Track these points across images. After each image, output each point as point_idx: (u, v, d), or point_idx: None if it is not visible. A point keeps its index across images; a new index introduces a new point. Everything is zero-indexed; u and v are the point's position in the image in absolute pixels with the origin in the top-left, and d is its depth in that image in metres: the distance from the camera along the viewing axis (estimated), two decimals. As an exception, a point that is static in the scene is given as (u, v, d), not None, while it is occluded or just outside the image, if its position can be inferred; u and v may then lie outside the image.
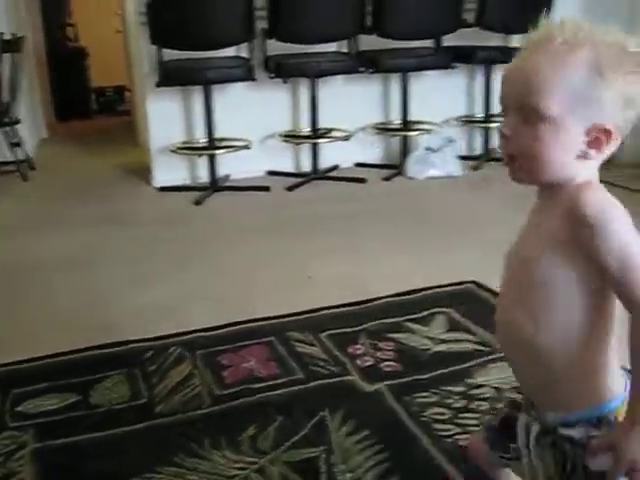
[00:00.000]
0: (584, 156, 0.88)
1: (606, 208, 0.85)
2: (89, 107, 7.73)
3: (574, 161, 0.88)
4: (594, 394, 0.93)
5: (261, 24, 3.77)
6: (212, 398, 1.78)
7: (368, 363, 1.93)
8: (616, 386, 0.93)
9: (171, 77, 3.70)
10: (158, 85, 3.69)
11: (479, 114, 4.46)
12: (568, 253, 0.87)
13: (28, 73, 5.55)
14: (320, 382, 1.84)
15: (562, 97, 0.85)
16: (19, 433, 1.66)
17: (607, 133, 0.86)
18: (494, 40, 4.28)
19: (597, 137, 0.87)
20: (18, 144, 4.59)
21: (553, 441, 0.95)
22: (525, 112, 0.87)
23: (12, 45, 4.50)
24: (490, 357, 1.92)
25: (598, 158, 0.89)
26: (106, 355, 2.03)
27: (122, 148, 5.46)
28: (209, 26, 3.64)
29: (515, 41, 4.40)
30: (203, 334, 2.13)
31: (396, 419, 1.66)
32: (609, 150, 0.88)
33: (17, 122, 4.62)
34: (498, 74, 4.34)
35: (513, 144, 0.90)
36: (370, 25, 3.91)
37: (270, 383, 1.84)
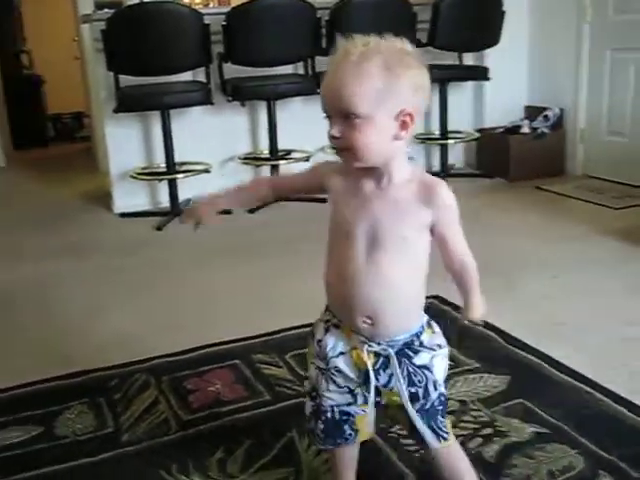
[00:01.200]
0: (397, 138, 1.11)
1: (454, 199, 1.17)
2: (46, 134, 7.66)
3: (390, 143, 1.11)
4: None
5: (217, 48, 3.79)
6: (179, 424, 1.77)
7: (334, 382, 1.93)
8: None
9: (129, 103, 3.69)
10: (116, 111, 3.68)
11: (436, 131, 4.53)
12: (423, 225, 1.17)
13: (-17, 102, 5.48)
14: (287, 403, 1.84)
15: (368, 97, 1.07)
16: (-19, 468, 1.63)
17: (410, 116, 1.11)
18: (448, 59, 4.36)
19: (404, 120, 1.10)
20: (-26, 174, 4.53)
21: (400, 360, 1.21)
22: (344, 115, 1.08)
23: (-34, 75, 4.46)
24: (455, 370, 1.94)
25: (407, 136, 1.13)
26: (69, 385, 2.00)
27: (82, 175, 5.41)
28: (165, 51, 3.65)
29: (468, 59, 4.49)
30: (167, 359, 2.12)
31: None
32: (413, 128, 1.12)
33: (-27, 152, 4.56)
34: (454, 92, 4.43)
35: (343, 141, 1.11)
36: (326, 46, 3.95)
37: (237, 406, 1.83)
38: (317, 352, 1.27)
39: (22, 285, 2.94)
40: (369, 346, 1.20)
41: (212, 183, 4.09)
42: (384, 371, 1.21)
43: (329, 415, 1.28)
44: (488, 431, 1.66)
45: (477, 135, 4.53)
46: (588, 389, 1.81)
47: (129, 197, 4.07)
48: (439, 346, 1.25)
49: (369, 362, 1.20)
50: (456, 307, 2.36)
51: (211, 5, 8.56)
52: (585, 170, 4.33)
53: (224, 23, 3.71)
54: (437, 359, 1.23)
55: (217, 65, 3.89)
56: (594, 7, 4.13)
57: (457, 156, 4.73)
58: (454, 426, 1.67)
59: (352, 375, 1.23)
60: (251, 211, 3.89)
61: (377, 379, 1.22)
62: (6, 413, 1.86)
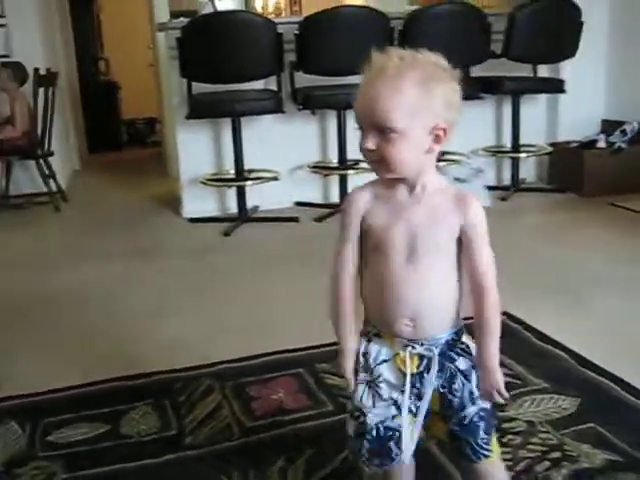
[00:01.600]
0: (430, 151, 1.13)
1: (484, 219, 1.18)
2: (120, 139, 7.87)
3: (423, 155, 1.13)
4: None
5: (289, 57, 3.81)
6: (241, 430, 1.77)
7: (398, 395, 1.90)
8: None
9: (201, 109, 3.75)
10: (188, 117, 3.74)
11: (507, 144, 4.44)
12: (454, 236, 1.17)
13: (61, 106, 5.68)
14: (350, 414, 1.82)
15: (403, 112, 1.08)
16: (48, 463, 1.67)
17: (444, 130, 1.12)
18: (522, 70, 4.28)
19: (437, 135, 1.12)
20: (51, 176, 4.67)
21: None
22: (379, 129, 1.09)
23: (47, 80, 4.62)
24: (522, 390, 1.89)
25: (439, 149, 1.14)
26: (135, 386, 2.03)
27: (152, 179, 5.53)
28: (238, 60, 3.69)
29: (543, 71, 4.40)
30: (232, 365, 2.12)
31: (427, 452, 1.63)
32: (445, 141, 1.13)
33: (50, 154, 4.72)
34: (528, 104, 4.34)
35: (377, 154, 1.12)
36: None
37: (299, 415, 1.82)
38: (362, 364, 1.25)
39: (90, 286, 3.01)
40: (412, 348, 1.20)
41: (280, 191, 4.13)
42: (428, 374, 1.20)
43: (374, 433, 1.24)
44: (557, 455, 1.60)
45: (550, 149, 4.42)
46: (665, 416, 1.73)
47: (198, 202, 4.13)
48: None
49: (412, 365, 1.20)
50: (525, 324, 2.31)
51: (283, 15, 8.68)
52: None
53: (297, 32, 3.74)
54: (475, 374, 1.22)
55: (289, 74, 3.91)
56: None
57: (529, 170, 4.63)
58: (521, 447, 1.63)
59: (396, 382, 1.21)
60: (318, 220, 3.89)
61: (421, 383, 1.20)
62: (74, 410, 1.90)
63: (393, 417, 1.23)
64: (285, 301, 2.70)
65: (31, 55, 4.82)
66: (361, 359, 1.25)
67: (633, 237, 3.31)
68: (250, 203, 4.04)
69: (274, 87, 3.87)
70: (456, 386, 1.21)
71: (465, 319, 1.24)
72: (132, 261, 3.33)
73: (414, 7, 4.38)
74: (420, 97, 1.08)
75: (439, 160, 1.19)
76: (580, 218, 3.73)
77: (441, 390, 1.21)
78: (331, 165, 4.25)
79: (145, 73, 7.02)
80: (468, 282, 1.21)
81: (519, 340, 2.21)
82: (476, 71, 4.18)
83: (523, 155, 4.40)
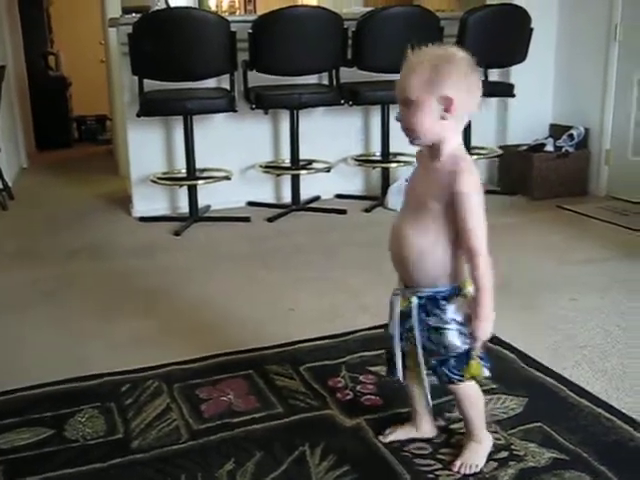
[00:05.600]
0: (443, 118, 1.39)
1: (475, 189, 1.39)
2: (70, 136, 7.71)
3: (438, 122, 1.39)
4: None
5: (242, 56, 3.79)
6: (190, 432, 1.75)
7: (348, 397, 1.91)
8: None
9: (152, 107, 3.70)
10: (139, 115, 3.68)
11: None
12: (444, 201, 1.40)
13: (9, 102, 5.53)
14: (300, 416, 1.81)
15: (417, 86, 1.37)
16: (-10, 469, 1.62)
17: (449, 99, 1.36)
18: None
19: (445, 103, 1.37)
20: (-3, 173, 4.55)
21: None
22: (404, 103, 1.41)
23: (-7, 74, 4.49)
24: (471, 390, 1.91)
25: (452, 119, 1.39)
26: (80, 388, 1.99)
27: (103, 178, 5.44)
28: (190, 57, 3.65)
29: (494, 75, 4.46)
30: (181, 367, 2.10)
31: (377, 454, 1.64)
32: (459, 114, 1.39)
33: (-4, 151, 4.60)
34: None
35: (403, 123, 1.42)
36: (351, 58, 3.94)
37: (249, 417, 1.81)
38: None
39: (36, 285, 2.94)
40: (402, 291, 1.52)
41: (232, 190, 4.10)
42: (409, 317, 1.50)
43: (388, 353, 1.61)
44: (504, 454, 1.62)
45: (500, 152, 4.49)
46: (608, 415, 1.77)
47: (149, 201, 4.07)
48: (454, 321, 1.48)
49: (401, 305, 1.52)
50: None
51: (237, 13, 8.63)
52: (609, 191, 4.28)
53: (250, 31, 3.71)
54: (451, 332, 1.48)
55: (242, 73, 3.89)
56: (624, 27, 4.09)
57: (479, 172, 4.69)
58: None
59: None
60: (270, 220, 3.88)
61: (406, 320, 1.52)
62: (17, 414, 1.85)
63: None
64: (236, 301, 2.68)
65: (-24, 48, 4.69)
66: None
67: (579, 239, 3.38)
68: (201, 202, 4.00)
69: (227, 86, 3.84)
70: (433, 337, 1.49)
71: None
72: (81, 261, 3.27)
73: (368, 8, 4.39)
74: (430, 75, 1.36)
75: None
76: (529, 220, 3.80)
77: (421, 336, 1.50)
78: (283, 165, 4.24)
79: (96, 69, 6.90)
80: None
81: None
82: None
83: (474, 157, 4.45)
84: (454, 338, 1.48)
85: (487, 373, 1.54)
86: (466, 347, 1.48)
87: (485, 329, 1.44)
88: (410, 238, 1.45)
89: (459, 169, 1.38)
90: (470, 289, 1.45)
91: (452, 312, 1.48)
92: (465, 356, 1.50)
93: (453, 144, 1.43)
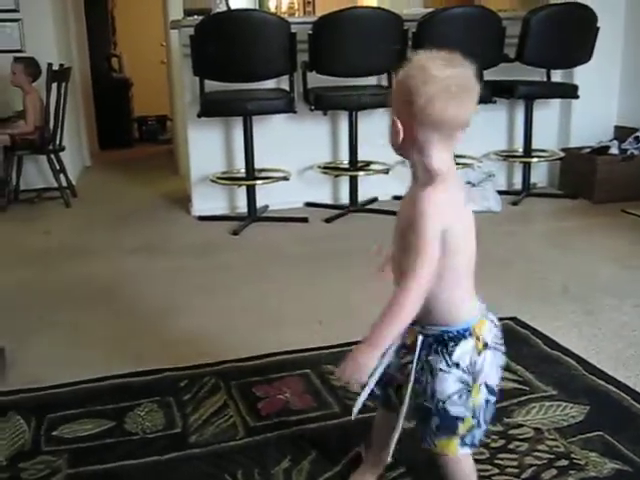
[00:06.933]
0: (405, 139, 1.24)
1: (429, 210, 1.17)
2: (131, 136, 7.88)
3: (405, 142, 1.25)
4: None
5: (302, 57, 3.80)
6: (246, 429, 1.77)
7: (405, 399, 1.89)
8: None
9: (212, 108, 3.75)
10: (200, 115, 3.74)
11: (519, 149, 4.42)
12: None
13: (74, 102, 5.68)
14: (356, 417, 1.80)
15: (393, 103, 1.24)
16: (53, 458, 1.67)
17: (395, 123, 1.23)
18: (535, 75, 4.26)
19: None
20: (62, 171, 4.68)
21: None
22: None
23: (59, 75, 4.62)
24: (530, 396, 1.88)
25: (411, 141, 1.23)
26: (141, 383, 2.03)
27: (163, 177, 5.54)
28: (250, 59, 3.68)
29: (557, 76, 4.38)
30: (238, 364, 2.12)
31: (432, 457, 1.62)
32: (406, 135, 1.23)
33: (62, 149, 4.73)
34: (540, 109, 4.32)
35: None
36: (411, 59, 3.92)
37: (305, 416, 1.82)
38: None
39: (97, 281, 3.01)
40: (412, 326, 1.27)
41: (290, 191, 4.13)
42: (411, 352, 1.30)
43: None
44: (564, 463, 1.59)
45: (562, 154, 4.40)
46: (674, 426, 1.72)
47: (208, 201, 4.13)
48: (456, 365, 1.26)
49: (409, 338, 1.32)
50: (534, 330, 2.29)
51: (297, 15, 8.68)
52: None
53: (310, 32, 3.73)
54: (447, 376, 1.26)
55: (301, 74, 3.91)
56: (694, 27, 3.97)
57: (540, 175, 4.61)
58: (527, 454, 1.62)
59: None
60: (327, 220, 3.89)
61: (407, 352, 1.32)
62: (80, 405, 1.90)
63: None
64: (292, 301, 2.70)
65: (44, 50, 4.83)
66: None
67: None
68: (260, 202, 4.03)
69: (286, 87, 3.87)
70: (423, 377, 1.28)
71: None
72: (140, 258, 3.33)
73: (429, 9, 4.36)
74: (402, 92, 1.20)
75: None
76: (591, 224, 3.71)
77: (415, 375, 1.29)
78: (341, 166, 4.24)
79: (157, 70, 7.03)
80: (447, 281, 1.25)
81: (527, 346, 2.20)
82: (489, 75, 4.16)
83: (535, 160, 4.38)
84: (448, 383, 1.26)
85: (462, 451, 1.32)
86: (459, 410, 1.27)
87: (345, 367, 1.27)
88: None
89: (423, 190, 1.23)
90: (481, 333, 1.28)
91: (457, 356, 1.26)
92: (452, 424, 1.29)
93: (428, 168, 1.27)
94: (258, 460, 1.63)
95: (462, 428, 1.29)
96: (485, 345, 1.27)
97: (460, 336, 1.26)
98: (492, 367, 1.29)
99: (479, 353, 1.27)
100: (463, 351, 1.26)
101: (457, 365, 1.26)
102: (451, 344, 1.26)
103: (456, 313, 1.27)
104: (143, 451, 1.68)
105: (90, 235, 3.83)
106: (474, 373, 1.26)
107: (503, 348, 1.33)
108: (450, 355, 1.26)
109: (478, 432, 1.31)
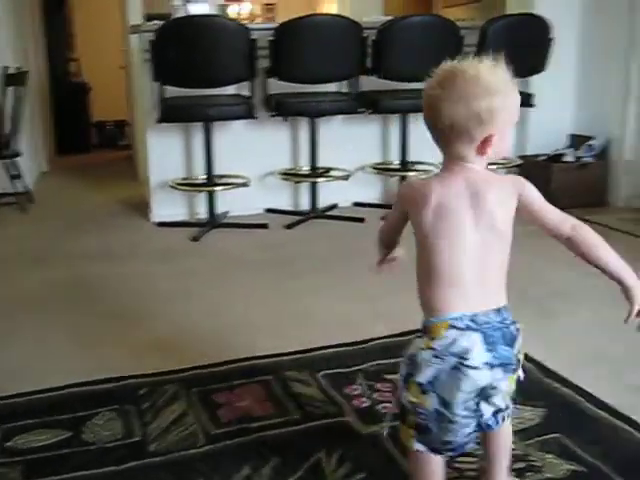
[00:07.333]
0: None
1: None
2: (90, 141, 7.78)
3: None
4: None
5: (263, 63, 3.81)
6: (207, 437, 1.75)
7: (365, 404, 1.90)
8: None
9: (172, 113, 3.72)
10: (159, 121, 3.71)
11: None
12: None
13: (30, 106, 5.59)
14: (316, 423, 1.81)
15: None
16: (7, 470, 1.63)
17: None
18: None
19: None
20: (18, 176, 4.60)
21: None
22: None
23: (15, 79, 4.55)
24: (488, 400, 1.90)
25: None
26: (100, 391, 2.00)
27: (121, 183, 5.48)
28: (211, 64, 3.67)
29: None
30: (199, 371, 2.10)
31: (393, 462, 1.63)
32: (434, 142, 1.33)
33: (18, 155, 4.64)
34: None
35: (509, 143, 1.36)
36: (370, 66, 3.95)
37: (266, 423, 1.81)
38: None
39: (56, 289, 2.96)
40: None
41: (250, 197, 4.12)
42: None
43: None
44: (521, 465, 1.61)
45: (519, 162, 4.47)
46: (628, 428, 1.75)
47: (167, 207, 4.10)
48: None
49: None
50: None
51: (257, 21, 8.68)
52: (628, 202, 4.25)
53: (271, 38, 3.73)
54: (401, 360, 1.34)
55: (261, 80, 3.91)
56: (645, 37, 4.08)
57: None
58: (485, 456, 1.64)
59: None
60: (288, 227, 3.89)
61: None
62: (35, 416, 1.86)
63: None
64: (253, 307, 2.69)
65: (0, 53, 4.75)
66: None
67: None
68: (220, 209, 4.02)
69: (247, 93, 3.86)
70: None
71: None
72: (100, 264, 3.29)
73: (388, 17, 4.39)
74: None
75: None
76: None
77: None
78: (302, 172, 4.25)
79: (116, 75, 6.96)
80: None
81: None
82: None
83: (493, 167, 4.44)
84: (400, 367, 1.33)
85: (416, 447, 1.33)
86: (402, 397, 1.32)
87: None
88: None
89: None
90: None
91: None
92: (399, 409, 1.35)
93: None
94: (218, 468, 1.62)
95: (407, 419, 1.32)
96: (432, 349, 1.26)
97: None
98: (448, 380, 1.25)
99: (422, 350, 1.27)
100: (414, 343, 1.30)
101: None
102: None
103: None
104: (100, 461, 1.66)
105: (48, 241, 3.77)
106: (411, 366, 1.28)
107: (476, 374, 1.25)
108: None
109: (432, 437, 1.30)
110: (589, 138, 4.35)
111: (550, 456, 1.64)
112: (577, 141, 4.45)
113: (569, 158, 4.30)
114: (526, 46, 4.10)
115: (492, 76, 1.28)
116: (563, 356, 2.21)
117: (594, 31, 4.42)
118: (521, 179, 1.36)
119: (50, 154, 6.70)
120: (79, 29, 8.08)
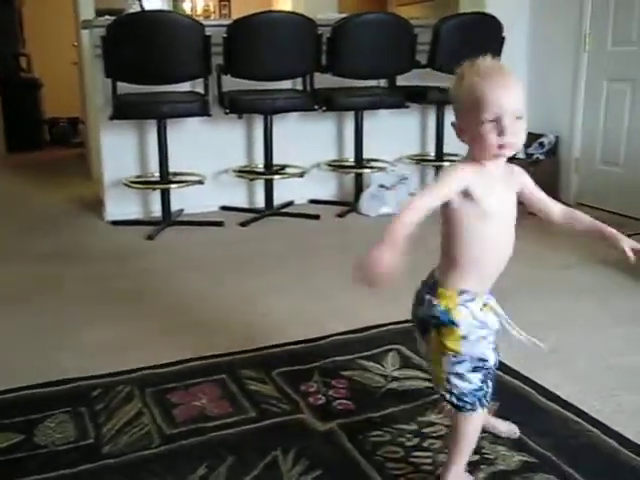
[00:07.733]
0: None
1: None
2: (42, 138, 7.64)
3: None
4: None
5: (217, 60, 3.78)
6: (162, 437, 1.74)
7: (321, 401, 1.91)
8: None
9: (125, 110, 3.68)
10: (112, 118, 3.66)
11: (431, 153, 4.54)
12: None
13: (-22, 103, 5.46)
14: (272, 421, 1.81)
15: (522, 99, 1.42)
16: (-43, 475, 1.60)
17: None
18: (446, 81, 4.37)
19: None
20: (-34, 175, 4.50)
21: None
22: (519, 115, 1.43)
23: (-38, 75, 4.44)
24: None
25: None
26: (51, 393, 1.97)
27: (75, 181, 5.39)
28: (164, 61, 3.64)
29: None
30: (153, 371, 2.09)
31: (349, 458, 1.64)
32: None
33: (-35, 152, 4.54)
34: (451, 114, 4.43)
35: (518, 137, 1.44)
36: (325, 64, 3.96)
37: (221, 422, 1.81)
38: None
39: (8, 289, 2.90)
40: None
41: (205, 195, 4.10)
42: None
43: (493, 372, 1.55)
44: (475, 458, 1.63)
45: (472, 158, 4.53)
46: (577, 419, 1.80)
47: (121, 205, 4.05)
48: None
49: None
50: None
51: (212, 17, 8.62)
52: (578, 198, 4.35)
53: (225, 35, 3.71)
54: None
55: (216, 77, 3.88)
56: (593, 37, 4.17)
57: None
58: (441, 451, 1.66)
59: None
60: (243, 224, 3.88)
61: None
62: (-15, 419, 1.83)
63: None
64: (208, 306, 2.68)
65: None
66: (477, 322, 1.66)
67: (549, 246, 3.42)
68: (174, 206, 3.98)
69: (201, 90, 3.84)
70: None
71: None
72: (53, 264, 3.23)
73: (343, 15, 4.41)
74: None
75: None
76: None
77: None
78: (257, 170, 4.24)
79: (69, 71, 6.84)
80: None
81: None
82: (403, 80, 4.26)
83: (446, 164, 4.49)
84: None
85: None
86: None
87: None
88: None
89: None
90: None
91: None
92: None
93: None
94: (174, 468, 1.61)
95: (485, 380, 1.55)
96: None
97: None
98: None
99: None
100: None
101: None
102: None
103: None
104: (53, 464, 1.63)
105: (-2, 241, 3.69)
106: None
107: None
108: None
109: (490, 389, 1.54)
110: (540, 136, 4.43)
111: (502, 448, 1.68)
112: (528, 138, 4.51)
113: (521, 155, 4.37)
114: (478, 45, 4.15)
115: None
116: (515, 349, 2.24)
117: (544, 30, 4.50)
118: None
119: (0, 151, 6.56)
120: (29, 23, 7.91)
